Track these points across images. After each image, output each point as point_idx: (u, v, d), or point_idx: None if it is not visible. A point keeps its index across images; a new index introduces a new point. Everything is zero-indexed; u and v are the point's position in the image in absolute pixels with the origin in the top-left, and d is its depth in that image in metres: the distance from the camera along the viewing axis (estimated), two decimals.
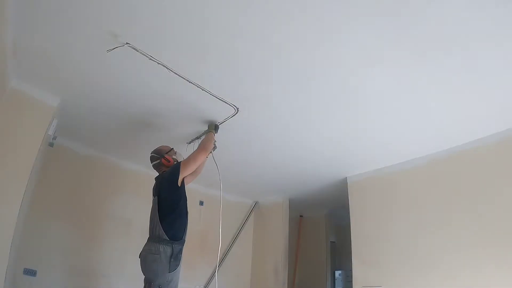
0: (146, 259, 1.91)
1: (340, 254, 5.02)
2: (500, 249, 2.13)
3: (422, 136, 2.50)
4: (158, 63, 1.85)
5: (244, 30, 1.60)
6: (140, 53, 1.77)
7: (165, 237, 1.91)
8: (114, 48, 1.72)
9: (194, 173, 2.36)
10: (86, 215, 3.05)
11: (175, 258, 1.89)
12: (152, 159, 2.25)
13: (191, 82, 2.01)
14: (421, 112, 2.19)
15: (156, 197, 2.05)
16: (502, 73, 1.75)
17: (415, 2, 1.37)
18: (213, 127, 2.44)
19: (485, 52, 1.62)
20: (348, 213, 3.27)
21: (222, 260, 3.99)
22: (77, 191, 3.05)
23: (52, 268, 2.74)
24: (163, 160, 2.19)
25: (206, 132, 2.56)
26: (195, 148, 2.66)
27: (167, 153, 2.22)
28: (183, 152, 2.59)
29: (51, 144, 2.58)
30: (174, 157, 2.25)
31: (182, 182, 2.06)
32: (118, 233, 3.23)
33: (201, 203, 4.01)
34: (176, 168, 2.05)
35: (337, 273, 4.93)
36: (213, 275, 3.84)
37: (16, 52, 1.88)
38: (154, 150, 2.28)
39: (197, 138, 2.72)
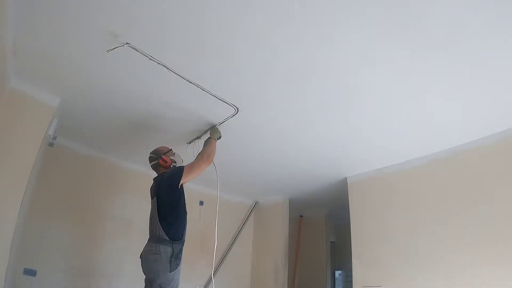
0: (147, 259, 1.92)
1: (340, 254, 5.02)
2: (500, 249, 2.13)
3: (422, 136, 2.50)
4: (158, 63, 1.85)
5: (244, 30, 1.60)
6: (140, 53, 1.77)
7: (165, 237, 1.92)
8: (114, 48, 1.72)
9: None
10: (86, 215, 3.05)
11: (175, 258, 1.90)
12: (150, 159, 2.26)
13: (191, 82, 2.01)
14: (421, 112, 2.19)
15: (155, 198, 2.05)
16: (502, 73, 1.75)
17: (415, 2, 1.37)
18: (217, 136, 2.45)
19: (485, 52, 1.62)
20: (348, 213, 3.28)
21: (221, 260, 4.00)
22: (77, 191, 3.05)
23: (52, 268, 2.74)
24: (160, 161, 2.20)
25: (208, 131, 2.56)
26: (195, 148, 2.68)
27: (165, 153, 2.23)
28: (183, 152, 2.59)
29: (51, 144, 2.58)
30: (172, 157, 2.25)
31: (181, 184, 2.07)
32: (118, 233, 3.23)
33: (201, 203, 4.01)
34: (179, 171, 2.05)
35: (337, 273, 4.94)
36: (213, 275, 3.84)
37: (16, 52, 1.88)
38: (152, 150, 2.28)
39: (197, 138, 2.72)
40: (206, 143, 2.42)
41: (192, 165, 2.13)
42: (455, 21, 1.45)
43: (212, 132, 2.47)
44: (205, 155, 2.21)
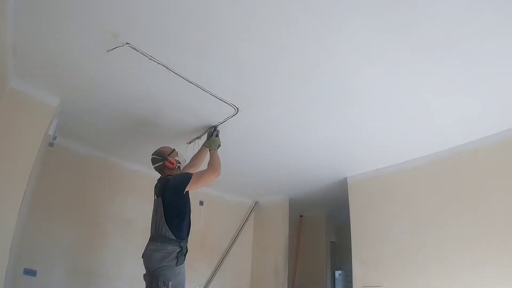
0: (153, 256, 1.90)
1: (340, 254, 5.01)
2: (500, 249, 2.13)
3: (422, 136, 2.50)
4: (158, 63, 1.85)
5: (244, 31, 1.60)
6: (140, 53, 1.77)
7: (172, 237, 1.93)
8: (114, 48, 1.72)
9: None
10: (86, 215, 3.05)
11: (181, 254, 1.93)
12: (154, 161, 2.20)
13: (191, 82, 2.01)
14: (421, 112, 2.19)
15: (160, 198, 2.03)
16: (503, 73, 1.76)
17: (415, 2, 1.37)
18: (218, 145, 2.38)
19: (485, 52, 1.62)
20: (348, 213, 3.28)
21: (221, 260, 3.99)
22: (77, 191, 3.04)
23: (52, 268, 2.74)
24: (166, 163, 2.15)
25: (206, 133, 2.56)
26: (195, 148, 2.67)
27: (169, 154, 2.19)
28: (183, 152, 2.59)
29: (51, 144, 2.58)
30: (176, 158, 2.22)
31: None
32: (118, 233, 3.22)
33: (201, 203, 4.00)
34: (186, 179, 2.01)
35: (337, 273, 4.93)
36: (213, 275, 3.84)
37: (16, 52, 1.88)
38: (155, 151, 2.23)
39: (197, 138, 2.72)
40: (209, 153, 2.34)
41: (201, 175, 2.08)
42: (455, 21, 1.45)
43: (211, 143, 2.40)
44: (215, 166, 2.16)
